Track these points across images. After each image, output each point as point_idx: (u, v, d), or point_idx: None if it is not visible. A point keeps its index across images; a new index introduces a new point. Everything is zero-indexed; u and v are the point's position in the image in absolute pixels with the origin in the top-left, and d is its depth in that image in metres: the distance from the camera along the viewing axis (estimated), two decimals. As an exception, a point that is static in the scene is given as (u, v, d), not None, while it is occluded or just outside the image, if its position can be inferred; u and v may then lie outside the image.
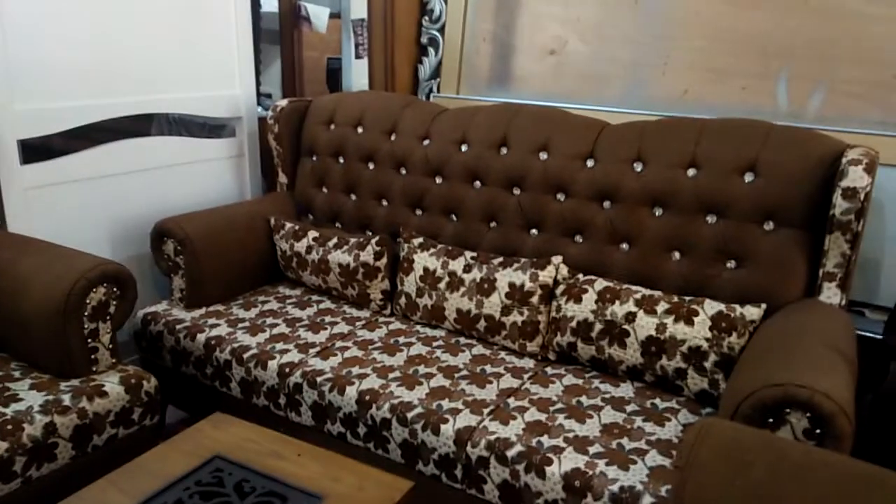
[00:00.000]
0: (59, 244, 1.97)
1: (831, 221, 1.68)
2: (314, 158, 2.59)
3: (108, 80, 2.30)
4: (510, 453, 1.56)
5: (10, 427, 1.58)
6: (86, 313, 1.80)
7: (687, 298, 1.79)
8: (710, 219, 1.87)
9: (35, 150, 2.26)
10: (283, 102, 2.62)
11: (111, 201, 2.39)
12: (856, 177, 1.64)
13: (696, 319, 1.73)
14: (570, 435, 1.60)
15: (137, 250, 2.44)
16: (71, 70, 2.19)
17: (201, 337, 2.09)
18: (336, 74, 3.69)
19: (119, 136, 2.40)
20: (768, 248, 1.79)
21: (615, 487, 1.44)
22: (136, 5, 2.34)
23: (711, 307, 1.74)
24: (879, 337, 1.88)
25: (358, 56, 2.97)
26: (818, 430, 1.30)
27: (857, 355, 1.56)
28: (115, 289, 1.86)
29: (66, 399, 1.70)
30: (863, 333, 1.93)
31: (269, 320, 2.17)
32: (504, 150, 2.19)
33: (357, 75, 3.08)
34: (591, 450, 1.54)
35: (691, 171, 1.90)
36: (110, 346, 1.88)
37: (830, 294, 1.74)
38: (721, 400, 1.55)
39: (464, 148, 2.25)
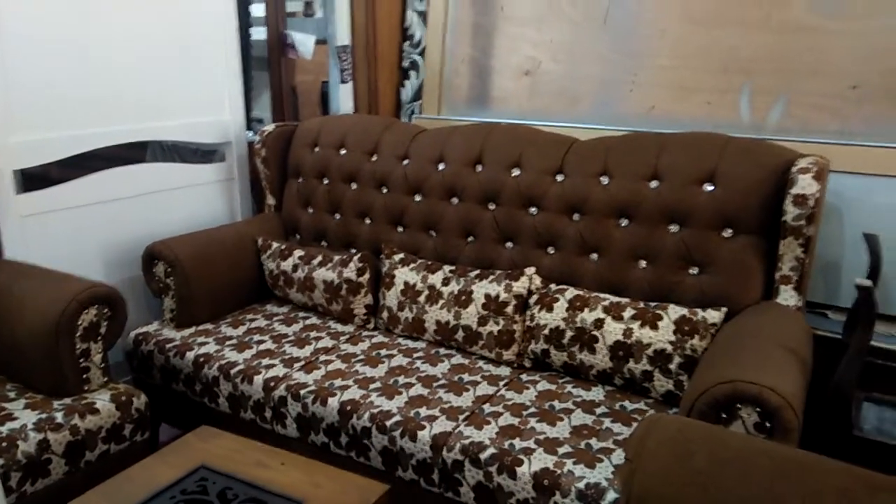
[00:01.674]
0: (53, 269, 2.06)
1: (784, 227, 1.77)
2: (300, 180, 2.68)
3: (102, 109, 2.39)
4: (483, 456, 1.63)
5: (4, 444, 1.65)
6: (77, 334, 1.89)
7: (652, 304, 1.87)
8: (673, 228, 1.96)
9: (31, 179, 2.35)
10: (270, 127, 2.72)
11: (105, 227, 2.47)
12: (805, 184, 1.73)
13: (660, 324, 1.81)
14: (541, 437, 1.67)
15: (131, 273, 2.52)
16: (65, 101, 2.28)
17: (190, 355, 2.17)
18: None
19: (114, 163, 2.48)
20: (727, 255, 1.87)
21: (581, 485, 1.51)
22: (128, 37, 2.43)
23: (675, 312, 1.82)
24: (840, 337, 1.95)
25: (343, 81, 3.08)
26: (767, 424, 1.37)
27: (810, 353, 1.64)
28: (105, 310, 1.95)
29: (59, 417, 1.78)
30: (825, 334, 2.01)
31: (256, 337, 2.25)
32: (479, 168, 2.28)
33: (343, 99, 3.19)
34: (561, 450, 1.62)
35: (654, 183, 1.99)
36: (102, 365, 1.96)
37: (787, 296, 1.82)
38: (681, 399, 1.62)
39: (441, 166, 2.35)
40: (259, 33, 3.61)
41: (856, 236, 2.05)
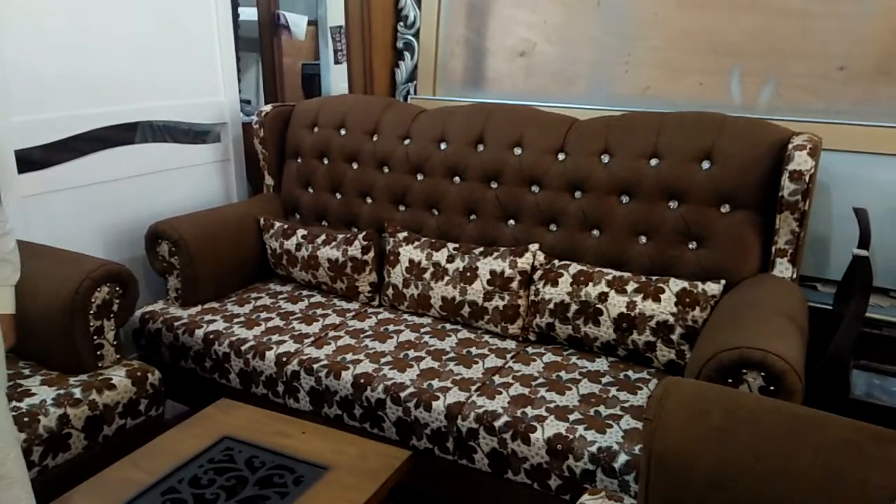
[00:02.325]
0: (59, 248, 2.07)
1: (781, 202, 1.85)
2: (299, 160, 2.71)
3: (96, 90, 2.38)
4: (497, 424, 1.70)
5: (26, 419, 1.68)
6: (91, 311, 1.91)
7: (654, 278, 1.95)
8: (672, 204, 2.03)
9: (21, 162, 2.33)
10: (268, 108, 2.73)
11: (104, 207, 2.48)
12: (801, 160, 1.82)
13: (662, 296, 1.88)
14: (552, 405, 1.74)
15: (130, 253, 2.53)
16: (62, 81, 2.28)
17: (199, 332, 2.20)
18: (311, 80, 3.80)
19: (103, 145, 2.47)
20: (725, 230, 1.95)
21: (594, 448, 1.59)
22: (123, 18, 2.43)
23: (676, 285, 1.90)
24: (830, 308, 2.05)
25: (337, 61, 3.09)
26: (772, 388, 1.46)
27: (807, 321, 1.73)
28: (117, 287, 1.97)
29: (77, 392, 1.81)
30: (816, 305, 2.11)
31: (264, 315, 2.29)
32: (481, 147, 2.33)
33: (335, 80, 3.20)
34: (571, 417, 1.69)
35: (654, 161, 2.06)
36: (114, 342, 1.99)
37: (783, 269, 1.91)
38: (686, 366, 1.70)
39: (443, 146, 2.39)
40: (245, 13, 3.60)
41: (843, 212, 2.14)
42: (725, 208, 1.97)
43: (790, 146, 1.85)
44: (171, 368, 2.28)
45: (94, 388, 1.83)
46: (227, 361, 2.13)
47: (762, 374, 1.46)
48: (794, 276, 1.91)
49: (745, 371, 1.47)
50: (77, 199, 2.39)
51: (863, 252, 1.60)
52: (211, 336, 2.17)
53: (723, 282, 1.88)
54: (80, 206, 2.40)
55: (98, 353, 1.93)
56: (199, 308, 2.35)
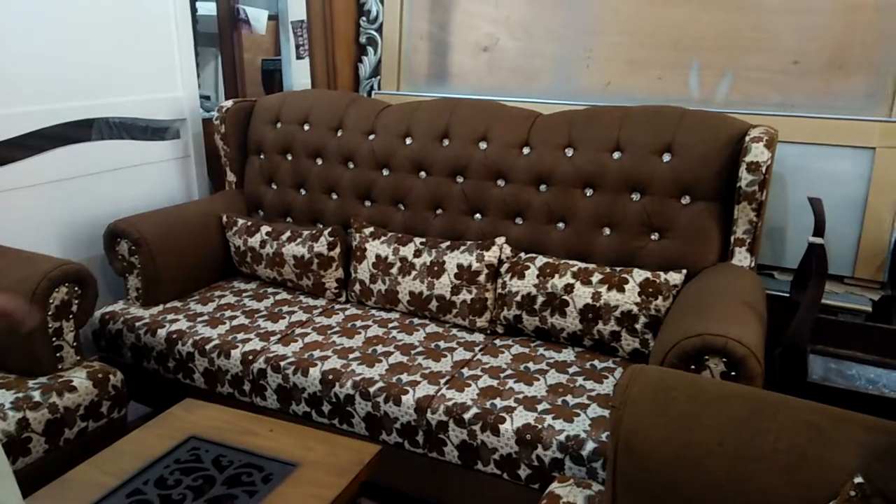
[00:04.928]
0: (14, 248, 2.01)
1: (738, 193, 1.90)
2: (262, 156, 2.67)
3: (51, 86, 2.32)
4: (467, 416, 1.71)
5: (-17, 424, 1.63)
6: (49, 312, 1.86)
7: (618, 269, 1.98)
8: (635, 196, 2.07)
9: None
10: (228, 103, 2.69)
11: (60, 206, 2.41)
12: (758, 152, 1.86)
13: (626, 287, 1.92)
14: (520, 396, 1.76)
15: (88, 253, 2.47)
16: (15, 78, 2.21)
17: (162, 332, 2.16)
18: (272, 75, 3.76)
19: (58, 143, 2.41)
20: (686, 220, 1.99)
21: (562, 437, 1.61)
22: (77, 11, 2.36)
23: (639, 275, 1.93)
24: (787, 295, 2.11)
25: (299, 56, 3.06)
26: (733, 373, 1.49)
27: (765, 308, 1.77)
28: (76, 288, 1.92)
29: (37, 395, 1.76)
30: (773, 293, 2.17)
31: (228, 313, 2.26)
32: (446, 142, 2.33)
33: (297, 75, 3.17)
34: (540, 407, 1.71)
35: (616, 155, 2.09)
36: (74, 343, 1.94)
37: (741, 258, 1.95)
38: (650, 354, 1.73)
39: (408, 141, 2.39)
40: (204, 8, 3.54)
41: (798, 202, 2.20)
42: (686, 200, 2.01)
43: (747, 138, 1.89)
44: (134, 369, 2.24)
45: (54, 391, 1.78)
46: (191, 361, 2.10)
47: (723, 359, 1.49)
48: (753, 264, 1.96)
49: (707, 357, 1.51)
50: (33, 198, 2.32)
51: (818, 240, 1.65)
52: (174, 336, 2.13)
53: (684, 271, 1.92)
54: (36, 204, 2.33)
55: (57, 354, 1.89)
56: (160, 307, 2.31)
